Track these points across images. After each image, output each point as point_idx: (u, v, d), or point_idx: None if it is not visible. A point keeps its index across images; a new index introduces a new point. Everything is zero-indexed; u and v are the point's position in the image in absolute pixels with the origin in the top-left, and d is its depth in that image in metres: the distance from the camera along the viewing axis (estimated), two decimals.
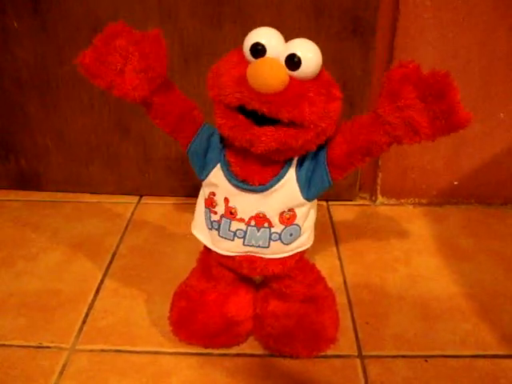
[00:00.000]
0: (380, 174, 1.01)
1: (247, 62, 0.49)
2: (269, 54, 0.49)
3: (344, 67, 0.89)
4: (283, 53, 0.49)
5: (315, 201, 0.61)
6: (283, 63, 0.49)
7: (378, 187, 1.02)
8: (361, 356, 0.68)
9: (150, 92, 0.54)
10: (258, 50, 0.49)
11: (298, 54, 0.48)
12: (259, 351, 0.68)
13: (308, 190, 0.57)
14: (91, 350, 0.69)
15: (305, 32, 0.86)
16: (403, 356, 0.68)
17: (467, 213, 1.01)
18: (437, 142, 0.95)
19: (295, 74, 0.49)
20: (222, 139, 0.57)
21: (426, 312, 0.75)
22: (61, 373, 0.65)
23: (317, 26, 0.86)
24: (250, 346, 0.69)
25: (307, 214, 0.60)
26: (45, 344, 0.70)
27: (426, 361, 0.67)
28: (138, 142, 1.00)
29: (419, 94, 0.49)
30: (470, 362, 0.67)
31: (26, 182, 1.07)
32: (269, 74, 0.47)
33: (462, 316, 0.74)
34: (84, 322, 0.73)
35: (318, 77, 0.51)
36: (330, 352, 0.67)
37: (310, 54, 0.49)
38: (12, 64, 0.94)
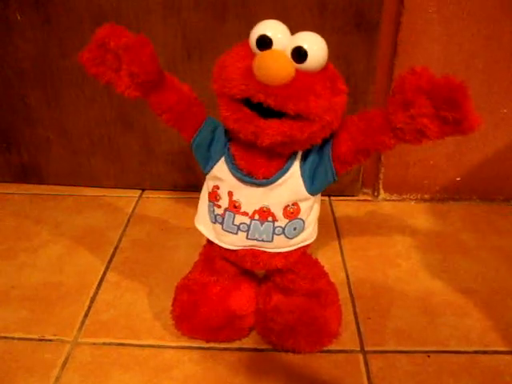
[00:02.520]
0: (382, 170, 1.01)
1: (253, 55, 0.49)
2: (275, 46, 0.49)
3: (348, 62, 0.89)
4: (289, 45, 0.48)
5: (319, 195, 0.61)
6: (289, 56, 0.48)
7: (381, 183, 1.02)
8: (363, 351, 0.68)
9: (143, 94, 0.55)
10: (265, 43, 0.49)
11: (305, 46, 0.48)
12: (261, 346, 0.68)
13: (312, 184, 0.57)
14: (93, 343, 0.69)
15: (308, 26, 0.85)
16: (405, 351, 0.68)
17: (469, 209, 1.01)
18: (438, 140, 0.96)
19: (301, 66, 0.48)
20: (227, 132, 0.57)
21: (428, 307, 0.75)
22: (63, 366, 0.65)
23: (320, 20, 0.86)
24: (253, 341, 0.69)
25: (311, 209, 0.60)
26: (47, 337, 0.70)
27: (428, 356, 0.67)
28: (140, 135, 1.00)
29: (433, 103, 0.48)
30: (472, 358, 0.67)
31: (28, 174, 1.07)
32: (275, 66, 0.47)
33: (464, 311, 0.74)
34: (86, 315, 0.73)
35: (323, 70, 0.50)
36: (332, 347, 0.67)
37: (316, 46, 0.49)
38: (14, 56, 0.93)
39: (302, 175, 0.56)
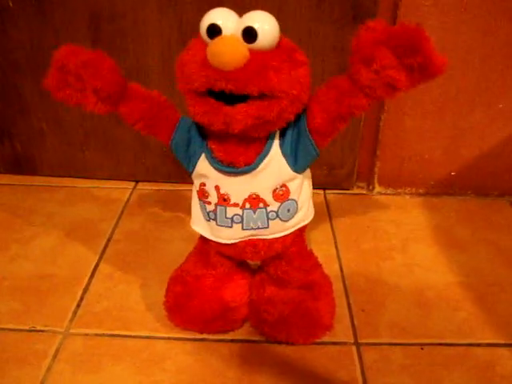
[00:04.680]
0: (377, 164, 1.01)
1: (206, 45, 0.49)
2: (225, 32, 0.49)
3: (344, 54, 0.88)
4: (239, 28, 0.48)
5: (308, 173, 0.61)
6: (241, 38, 0.48)
7: (376, 176, 1.02)
8: (357, 343, 0.68)
9: (111, 107, 0.56)
10: (214, 31, 0.49)
11: (255, 26, 0.48)
12: (255, 337, 0.68)
13: (295, 162, 0.57)
14: (85, 334, 0.68)
15: (305, 18, 0.85)
16: (399, 344, 0.68)
17: (464, 203, 1.01)
18: (435, 133, 0.96)
19: (254, 46, 0.48)
20: (202, 129, 0.57)
21: (422, 300, 0.75)
22: (54, 356, 0.65)
23: (318, 13, 0.85)
24: (246, 332, 0.69)
25: (301, 187, 0.59)
26: (39, 328, 0.69)
27: (422, 349, 0.67)
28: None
29: (393, 52, 0.48)
30: (466, 351, 0.67)
31: (21, 166, 1.06)
32: (227, 50, 0.47)
33: (458, 305, 0.74)
34: (78, 305, 0.73)
35: (278, 46, 0.50)
36: (325, 339, 0.67)
37: (265, 24, 0.48)
38: (7, 45, 0.92)
39: (284, 154, 0.56)
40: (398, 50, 0.47)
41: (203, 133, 0.57)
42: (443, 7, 0.85)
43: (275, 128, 0.54)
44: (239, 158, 0.55)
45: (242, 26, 0.48)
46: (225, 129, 0.51)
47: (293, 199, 0.58)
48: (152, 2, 0.87)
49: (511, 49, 0.88)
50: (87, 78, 0.53)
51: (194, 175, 0.61)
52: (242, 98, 0.49)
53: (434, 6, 0.85)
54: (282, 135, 0.56)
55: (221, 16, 0.49)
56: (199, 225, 0.63)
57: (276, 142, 0.56)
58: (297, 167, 0.57)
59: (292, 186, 0.58)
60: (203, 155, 0.57)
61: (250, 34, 0.48)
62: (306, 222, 0.63)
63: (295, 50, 0.52)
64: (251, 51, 0.48)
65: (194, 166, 0.59)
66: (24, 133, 1.02)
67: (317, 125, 0.55)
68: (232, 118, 0.50)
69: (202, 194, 0.59)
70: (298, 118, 0.55)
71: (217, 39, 0.48)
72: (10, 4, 0.88)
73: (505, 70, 0.90)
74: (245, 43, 0.48)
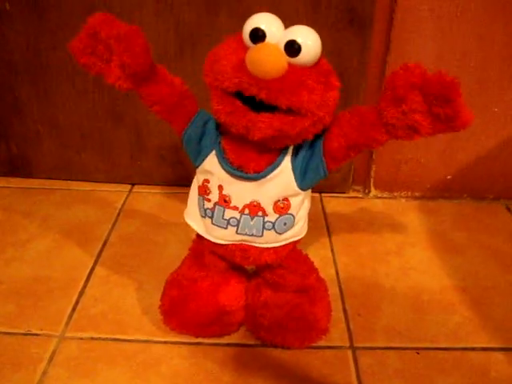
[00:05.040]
0: (373, 167, 1.01)
1: (246, 48, 0.49)
2: (268, 39, 0.48)
3: (340, 58, 0.88)
4: (283, 39, 0.48)
5: (309, 191, 0.61)
6: (283, 49, 0.48)
7: (372, 180, 1.02)
8: (352, 347, 0.68)
9: (134, 85, 0.54)
10: (258, 36, 0.48)
11: (298, 40, 0.47)
12: (251, 341, 0.68)
13: (303, 179, 0.57)
14: (81, 338, 0.68)
15: (302, 22, 0.85)
16: (394, 348, 0.68)
17: (460, 207, 1.01)
18: (430, 136, 0.96)
19: (294, 60, 0.48)
20: (218, 126, 0.57)
21: (418, 304, 0.75)
22: (50, 360, 0.65)
23: (314, 16, 0.86)
24: (242, 336, 0.69)
25: (301, 204, 0.59)
26: (34, 331, 0.69)
27: (418, 353, 0.67)
28: (131, 129, 0.99)
29: (425, 99, 0.48)
30: (461, 355, 0.67)
31: (17, 168, 1.06)
32: (268, 60, 0.47)
33: (454, 309, 0.75)
34: (74, 309, 0.73)
35: (316, 65, 0.50)
36: (321, 343, 0.67)
37: (309, 41, 0.48)
38: (3, 47, 0.92)
39: (293, 170, 0.56)
40: (429, 97, 0.48)
41: (219, 130, 0.57)
42: (439, 12, 0.85)
43: (292, 143, 0.55)
44: (250, 163, 0.55)
45: (287, 38, 0.48)
46: (245, 134, 0.51)
47: (291, 214, 0.59)
48: (149, 4, 0.87)
49: (506, 53, 0.89)
50: (118, 52, 0.51)
51: (199, 170, 0.60)
52: (269, 108, 0.49)
53: (429, 11, 0.85)
54: (296, 151, 0.56)
55: (267, 22, 0.49)
56: (193, 219, 0.63)
57: (288, 157, 0.56)
58: (303, 184, 0.57)
59: (294, 201, 0.58)
60: (213, 152, 0.57)
61: (293, 48, 0.48)
62: (299, 238, 0.63)
63: (331, 73, 0.52)
64: (290, 65, 0.48)
65: (202, 161, 0.58)
66: (20, 135, 1.01)
67: (332, 148, 0.55)
68: (254, 125, 0.49)
69: (204, 191, 0.59)
70: (315, 138, 0.55)
71: (260, 45, 0.48)
72: (7, 6, 0.88)
73: (500, 75, 0.91)
74: (286, 56, 0.48)
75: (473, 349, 0.68)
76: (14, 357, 0.65)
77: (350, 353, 0.67)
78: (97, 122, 0.98)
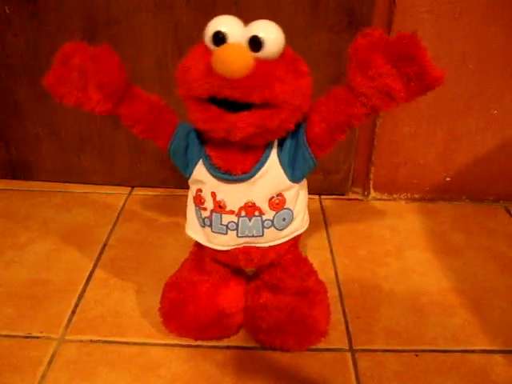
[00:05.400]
0: (373, 169, 1.01)
1: (211, 53, 0.49)
2: (230, 40, 0.49)
3: (339, 60, 0.88)
4: (245, 36, 0.48)
5: (304, 182, 0.61)
6: (246, 46, 0.48)
7: (371, 182, 1.02)
8: (351, 350, 0.68)
9: (113, 107, 0.55)
10: (220, 38, 0.49)
11: (260, 34, 0.48)
12: (250, 344, 0.68)
13: (293, 171, 0.57)
14: (80, 341, 0.68)
15: (301, 25, 0.86)
16: (394, 350, 0.68)
17: (459, 209, 1.01)
18: (430, 138, 0.96)
19: (260, 55, 0.48)
20: (200, 135, 0.57)
21: (417, 306, 0.75)
22: (49, 363, 0.65)
23: (312, 19, 0.86)
24: (241, 339, 0.69)
25: (297, 197, 0.59)
26: (33, 334, 0.69)
27: (417, 355, 0.67)
28: (130, 132, 0.98)
29: (389, 60, 0.48)
30: (461, 357, 0.67)
31: (16, 171, 1.06)
32: (233, 59, 0.47)
33: (453, 311, 0.74)
34: (73, 312, 0.73)
35: (282, 55, 0.50)
36: (320, 345, 0.67)
37: (271, 33, 0.48)
38: (3, 50, 0.92)
39: (281, 164, 0.56)
40: (393, 57, 0.48)
41: (201, 139, 0.57)
42: (438, 14, 0.85)
43: (275, 137, 0.55)
44: (237, 165, 0.55)
45: (248, 35, 0.48)
46: (226, 136, 0.51)
47: (288, 208, 0.59)
48: (147, 7, 0.87)
49: (505, 55, 0.89)
50: (94, 71, 0.52)
51: (190, 181, 0.61)
52: (244, 107, 0.49)
53: (428, 13, 0.85)
54: (281, 145, 0.56)
55: (226, 23, 0.49)
56: (194, 230, 0.63)
57: (274, 152, 0.56)
58: (294, 177, 0.57)
59: (288, 195, 0.58)
60: (200, 161, 0.57)
61: (255, 43, 0.48)
62: (301, 231, 0.63)
63: (298, 61, 0.52)
64: (256, 60, 0.48)
65: (191, 172, 0.59)
66: (19, 138, 1.02)
67: (315, 135, 0.55)
68: (233, 125, 0.50)
69: (199, 200, 0.59)
70: (297, 128, 0.55)
71: (223, 47, 0.48)
72: (6, 10, 0.88)
73: (499, 76, 0.91)
74: (250, 52, 0.48)
75: (472, 351, 0.68)
76: (13, 360, 0.65)
77: (349, 355, 0.67)
78: (96, 124, 0.99)
